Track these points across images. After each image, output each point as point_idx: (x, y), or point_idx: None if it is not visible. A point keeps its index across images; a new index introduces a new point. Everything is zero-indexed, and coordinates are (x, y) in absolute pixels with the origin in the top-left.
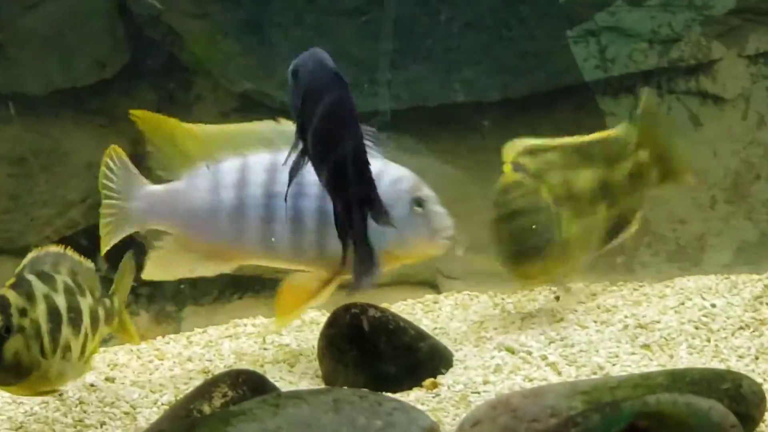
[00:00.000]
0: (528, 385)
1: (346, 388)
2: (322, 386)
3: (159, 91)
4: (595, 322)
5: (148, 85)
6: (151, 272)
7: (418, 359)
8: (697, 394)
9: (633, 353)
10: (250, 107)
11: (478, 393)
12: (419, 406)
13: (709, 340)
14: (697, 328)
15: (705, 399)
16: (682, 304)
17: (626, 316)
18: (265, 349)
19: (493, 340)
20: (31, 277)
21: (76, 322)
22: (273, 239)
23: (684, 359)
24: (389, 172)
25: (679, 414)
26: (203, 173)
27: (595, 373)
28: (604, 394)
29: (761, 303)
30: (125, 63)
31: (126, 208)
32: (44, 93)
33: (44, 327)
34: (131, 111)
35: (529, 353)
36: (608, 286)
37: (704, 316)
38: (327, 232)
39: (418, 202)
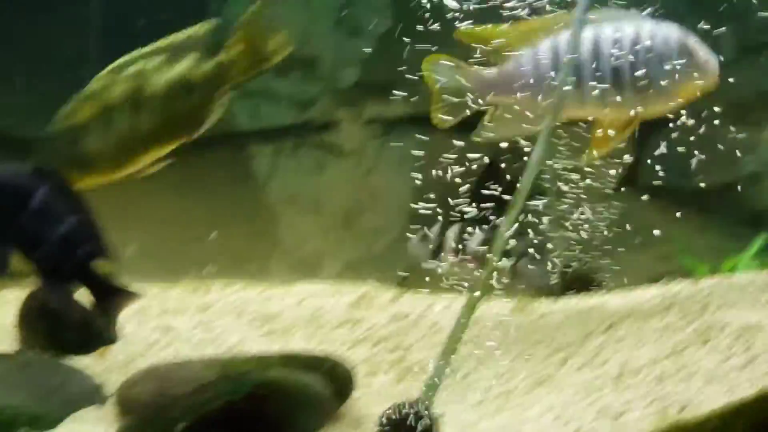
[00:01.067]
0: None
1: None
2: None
3: None
4: (232, 312)
5: None
6: (492, 131)
7: (93, 332)
8: (304, 371)
9: (259, 338)
10: None
11: (137, 362)
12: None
13: (318, 331)
14: (309, 321)
15: (309, 376)
16: (301, 302)
17: (255, 310)
18: None
19: (153, 321)
20: None
21: None
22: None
23: (297, 345)
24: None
25: (289, 385)
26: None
27: (228, 352)
28: (234, 367)
29: (358, 307)
30: None
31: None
32: None
33: None
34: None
35: (179, 333)
36: (244, 287)
37: (314, 313)
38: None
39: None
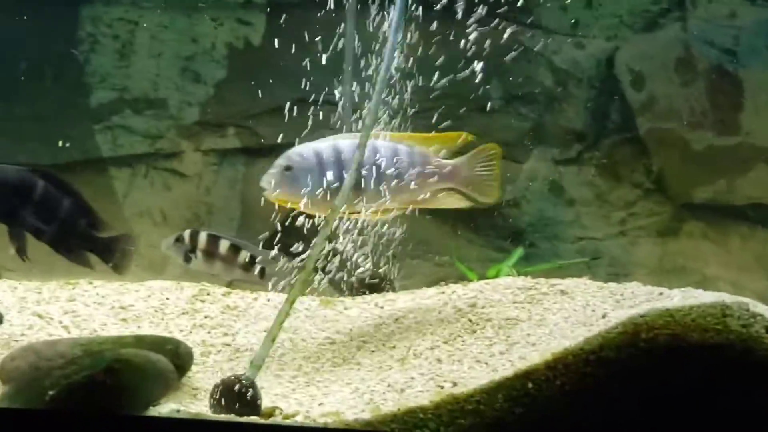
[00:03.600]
0: (49, 339)
1: None
2: None
3: None
4: (95, 303)
5: None
6: None
7: None
8: (152, 351)
9: (116, 324)
10: None
11: (17, 341)
12: None
13: (163, 319)
14: (156, 311)
15: (156, 354)
16: (150, 296)
17: (115, 301)
18: None
19: (31, 308)
20: None
21: None
22: None
23: (146, 329)
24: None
25: (139, 362)
26: None
27: (90, 334)
28: (94, 346)
29: (197, 299)
30: None
31: None
32: None
33: None
34: None
35: (52, 319)
36: (104, 283)
37: (161, 304)
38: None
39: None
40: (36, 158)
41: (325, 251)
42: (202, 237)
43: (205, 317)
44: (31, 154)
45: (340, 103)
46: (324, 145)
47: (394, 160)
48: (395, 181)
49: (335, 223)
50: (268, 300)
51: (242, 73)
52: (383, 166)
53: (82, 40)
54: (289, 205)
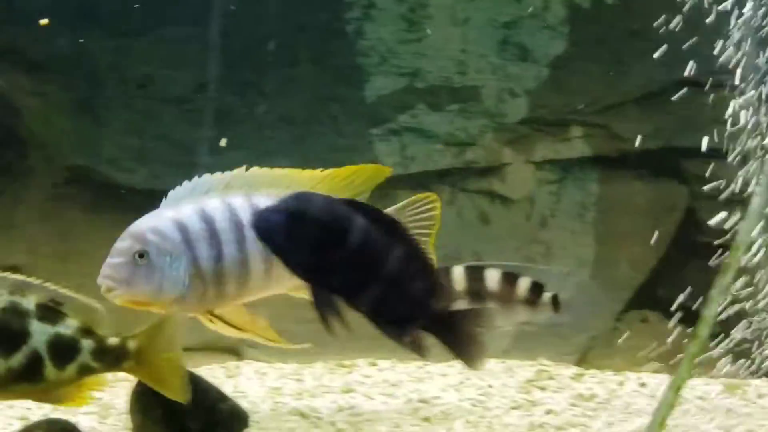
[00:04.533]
0: None
1: None
2: None
3: None
4: (382, 394)
5: None
6: None
7: (219, 418)
8: None
9: (414, 425)
10: (78, 180)
11: None
12: None
13: (483, 417)
14: (474, 405)
15: None
16: (462, 383)
17: (410, 391)
18: None
19: (287, 405)
20: None
21: (3, 339)
22: None
23: None
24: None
25: None
26: None
27: None
28: None
29: (533, 386)
30: None
31: None
32: None
33: None
34: None
35: (319, 418)
36: (395, 363)
37: (482, 395)
38: None
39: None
40: None
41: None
42: (457, 273)
43: (548, 412)
44: None
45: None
46: (186, 212)
47: None
48: None
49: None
50: (642, 385)
51: (590, 45)
52: None
53: (351, 3)
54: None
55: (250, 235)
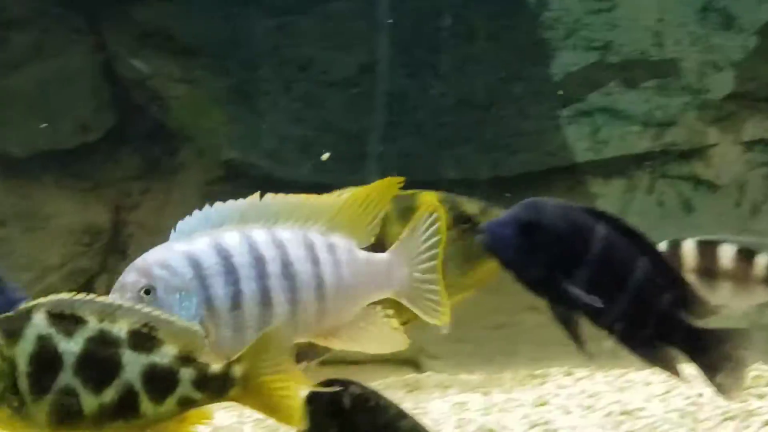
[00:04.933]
0: None
1: None
2: None
3: (144, 157)
4: (580, 407)
5: (133, 149)
6: None
7: None
8: None
9: None
10: (235, 176)
11: None
12: None
13: (693, 429)
14: (682, 417)
15: None
16: (668, 392)
17: (611, 403)
18: (242, 423)
19: (474, 422)
20: (37, 317)
21: (93, 372)
22: None
23: None
24: None
25: None
26: None
27: None
28: None
29: (749, 394)
30: (110, 127)
31: None
32: (27, 155)
33: (22, 367)
34: None
35: None
36: (594, 371)
37: (690, 405)
38: None
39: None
40: (457, 168)
41: None
42: (687, 247)
43: (767, 424)
44: (448, 162)
45: None
46: (199, 245)
47: None
48: None
49: None
50: None
51: None
52: None
53: None
54: None
55: (274, 270)
